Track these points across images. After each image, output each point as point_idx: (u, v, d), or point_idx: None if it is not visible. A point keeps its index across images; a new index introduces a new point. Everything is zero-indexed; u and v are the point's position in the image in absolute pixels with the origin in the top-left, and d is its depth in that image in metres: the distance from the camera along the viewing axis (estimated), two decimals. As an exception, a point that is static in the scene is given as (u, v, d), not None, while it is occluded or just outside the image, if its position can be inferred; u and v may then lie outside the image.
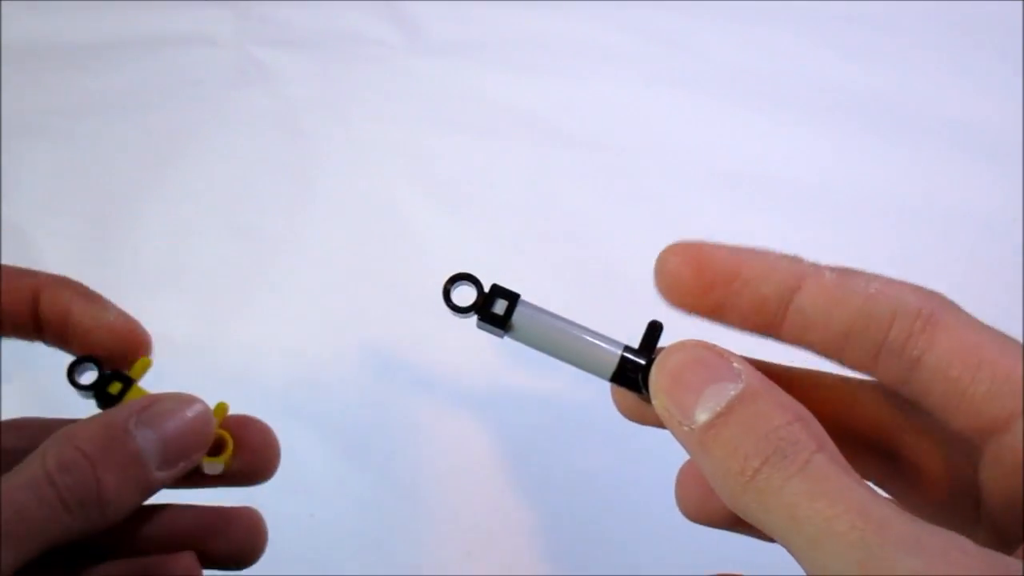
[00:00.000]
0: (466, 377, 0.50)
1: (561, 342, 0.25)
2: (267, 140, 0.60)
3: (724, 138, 0.61)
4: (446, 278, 0.25)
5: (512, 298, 0.25)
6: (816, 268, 0.23)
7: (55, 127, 0.60)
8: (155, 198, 0.57)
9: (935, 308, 0.21)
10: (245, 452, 0.28)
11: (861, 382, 0.25)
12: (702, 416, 0.21)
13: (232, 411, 0.29)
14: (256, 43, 0.66)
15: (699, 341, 0.23)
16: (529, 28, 0.67)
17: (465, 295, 0.25)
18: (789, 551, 0.19)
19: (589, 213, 0.57)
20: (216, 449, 0.27)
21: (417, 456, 0.47)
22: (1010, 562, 0.17)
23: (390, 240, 0.55)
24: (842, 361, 0.23)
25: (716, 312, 0.24)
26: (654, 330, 0.25)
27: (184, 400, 0.26)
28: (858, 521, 0.18)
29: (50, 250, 0.54)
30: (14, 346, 0.44)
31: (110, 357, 0.28)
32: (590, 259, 0.55)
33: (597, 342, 0.25)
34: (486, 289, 0.25)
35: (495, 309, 0.25)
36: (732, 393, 0.21)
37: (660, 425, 0.23)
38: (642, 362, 0.24)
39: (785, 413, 0.20)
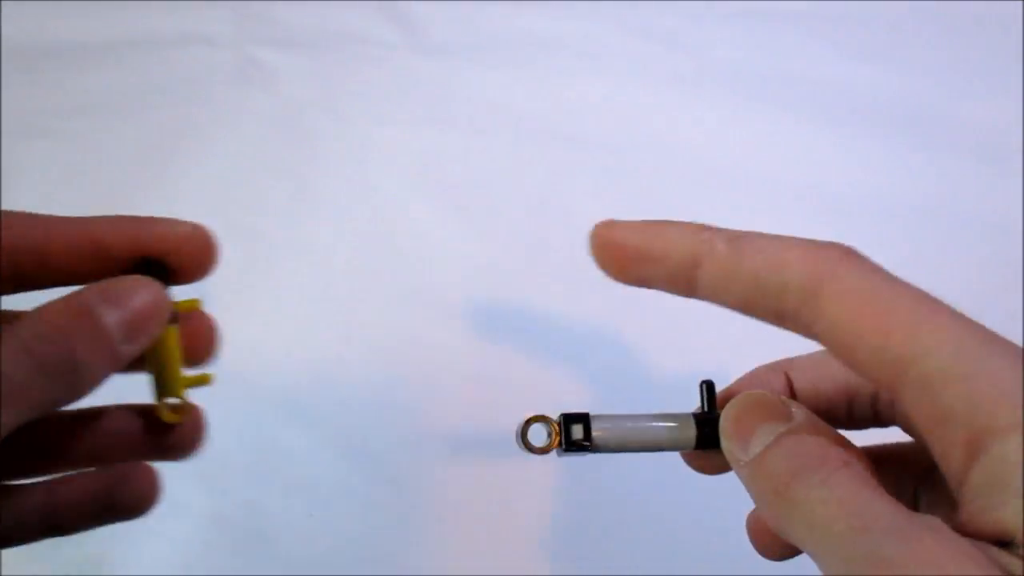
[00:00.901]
0: (466, 376, 0.50)
1: (642, 438, 0.27)
2: (267, 140, 0.60)
3: (724, 138, 0.61)
4: (519, 427, 0.28)
5: (584, 419, 0.27)
6: (711, 242, 0.24)
7: (55, 127, 0.60)
8: (155, 198, 0.57)
9: (822, 275, 0.22)
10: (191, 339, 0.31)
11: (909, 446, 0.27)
12: (755, 449, 0.23)
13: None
14: (256, 43, 0.66)
15: (761, 391, 0.25)
16: (529, 28, 0.67)
17: (538, 433, 0.28)
18: (812, 558, 0.20)
19: (589, 213, 0.57)
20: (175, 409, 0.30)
21: (417, 456, 0.47)
22: (974, 549, 0.19)
23: (390, 240, 0.55)
24: (756, 318, 0.24)
25: (642, 283, 0.26)
26: (711, 389, 0.27)
27: (140, 281, 0.27)
28: (852, 520, 0.19)
29: (50, 250, 0.54)
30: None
31: (177, 261, 0.29)
32: (590, 258, 0.54)
33: (672, 424, 0.27)
34: (556, 420, 0.27)
35: (574, 436, 0.27)
36: (782, 429, 0.23)
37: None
38: (712, 420, 0.26)
39: (823, 443, 0.22)
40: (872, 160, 0.60)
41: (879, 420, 0.27)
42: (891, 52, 0.66)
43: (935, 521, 0.19)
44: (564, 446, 0.27)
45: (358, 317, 0.52)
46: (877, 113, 0.62)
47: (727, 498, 0.45)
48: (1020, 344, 0.21)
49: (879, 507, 0.20)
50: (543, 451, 0.27)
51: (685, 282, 0.25)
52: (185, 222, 0.30)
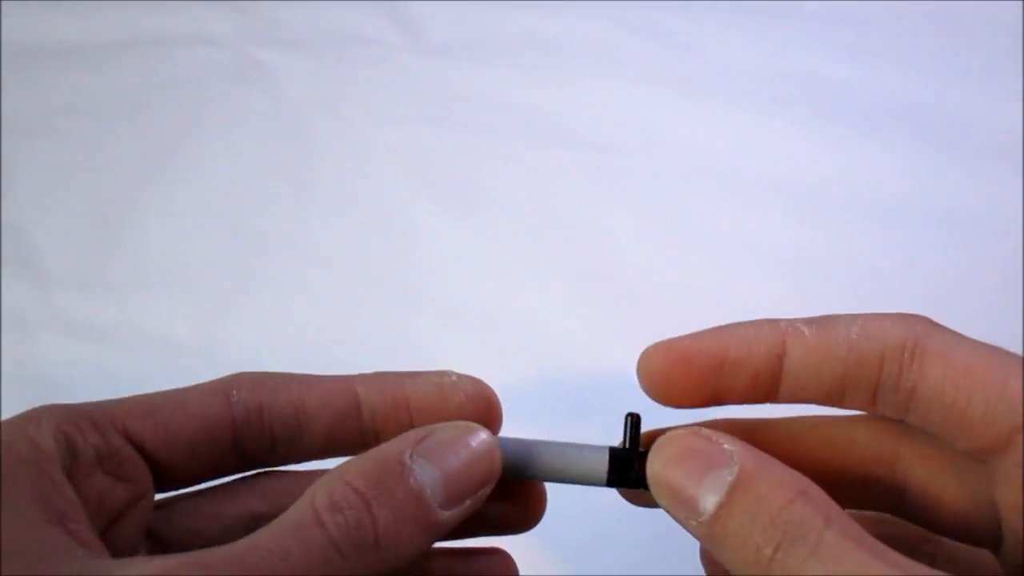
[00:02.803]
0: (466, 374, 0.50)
1: (550, 466, 0.24)
2: (267, 140, 0.60)
3: (724, 138, 0.61)
4: None
5: None
6: (794, 328, 0.23)
7: (55, 127, 0.60)
8: (155, 198, 0.57)
9: (919, 336, 0.21)
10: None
11: (855, 420, 0.25)
12: (707, 508, 0.20)
13: None
14: (256, 43, 0.66)
15: (686, 430, 0.22)
16: (529, 28, 0.67)
17: None
18: None
19: (589, 213, 0.57)
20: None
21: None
22: None
23: (390, 240, 0.55)
24: (843, 406, 0.23)
25: (711, 400, 0.24)
26: (635, 424, 0.24)
27: (464, 429, 0.23)
28: None
29: (50, 250, 0.54)
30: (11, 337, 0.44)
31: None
32: (590, 259, 0.55)
33: (581, 456, 0.24)
34: None
35: None
36: (729, 479, 0.20)
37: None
38: (633, 458, 0.24)
39: (785, 491, 0.20)
40: (872, 160, 0.60)
41: (872, 410, 0.25)
42: (891, 52, 0.66)
43: None
44: None
45: (358, 316, 0.52)
46: (877, 113, 0.62)
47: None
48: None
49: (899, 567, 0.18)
50: None
51: (769, 380, 0.23)
52: (457, 375, 0.26)
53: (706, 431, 0.22)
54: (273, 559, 0.19)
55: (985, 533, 0.23)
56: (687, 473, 0.21)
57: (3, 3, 0.65)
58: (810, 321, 0.23)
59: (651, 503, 0.24)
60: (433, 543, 0.22)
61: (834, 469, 0.24)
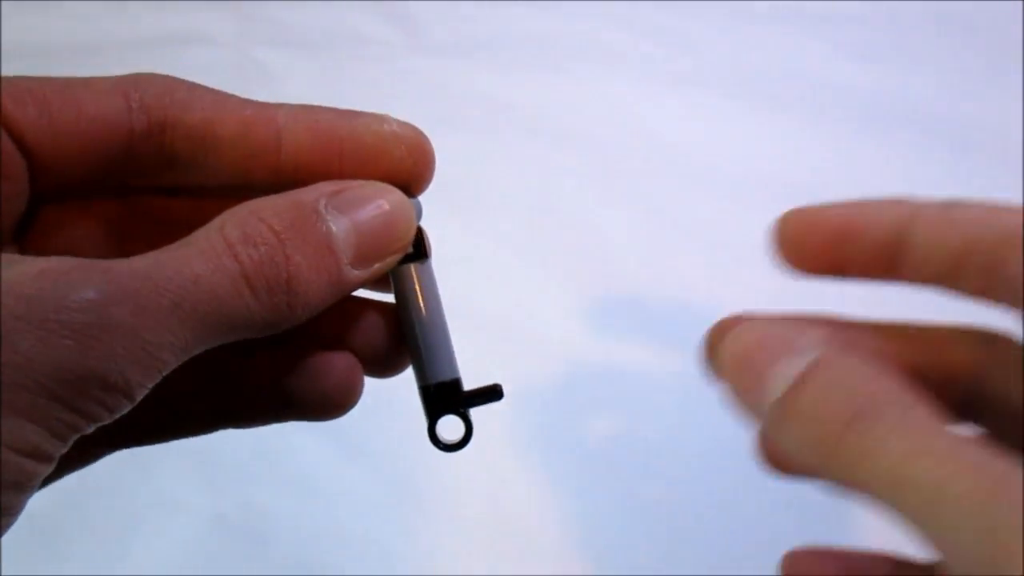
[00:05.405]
0: (465, 376, 0.50)
1: (426, 323, 0.24)
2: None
3: (724, 138, 0.61)
4: None
5: (419, 254, 0.24)
6: (920, 204, 0.22)
7: (55, 127, 0.60)
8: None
9: None
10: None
11: (949, 328, 0.24)
12: (775, 392, 0.19)
13: None
14: (256, 43, 0.66)
15: (765, 315, 0.21)
16: (529, 28, 0.67)
17: None
18: (897, 517, 0.17)
19: (589, 212, 0.57)
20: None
21: (417, 456, 0.47)
22: None
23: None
24: (961, 288, 0.22)
25: (838, 268, 0.23)
26: (493, 395, 0.24)
27: (380, 188, 0.22)
28: (977, 481, 0.16)
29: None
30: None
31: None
32: (590, 257, 0.55)
33: (448, 351, 0.24)
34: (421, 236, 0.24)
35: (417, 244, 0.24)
36: (808, 359, 0.19)
37: (806, 475, 0.21)
38: (459, 403, 0.24)
39: (865, 371, 0.18)
40: (872, 160, 0.60)
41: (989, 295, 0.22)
42: (891, 52, 0.66)
43: None
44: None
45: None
46: (877, 113, 0.62)
47: (732, 494, 0.45)
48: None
49: (1003, 465, 0.16)
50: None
51: (891, 256, 0.22)
52: (398, 122, 0.24)
53: (788, 316, 0.21)
54: (182, 280, 0.18)
55: None
56: (760, 358, 0.20)
57: (3, 3, 0.65)
58: (938, 202, 0.22)
59: (793, 469, 0.23)
60: (335, 300, 0.21)
61: (921, 369, 0.22)
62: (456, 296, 0.54)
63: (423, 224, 0.24)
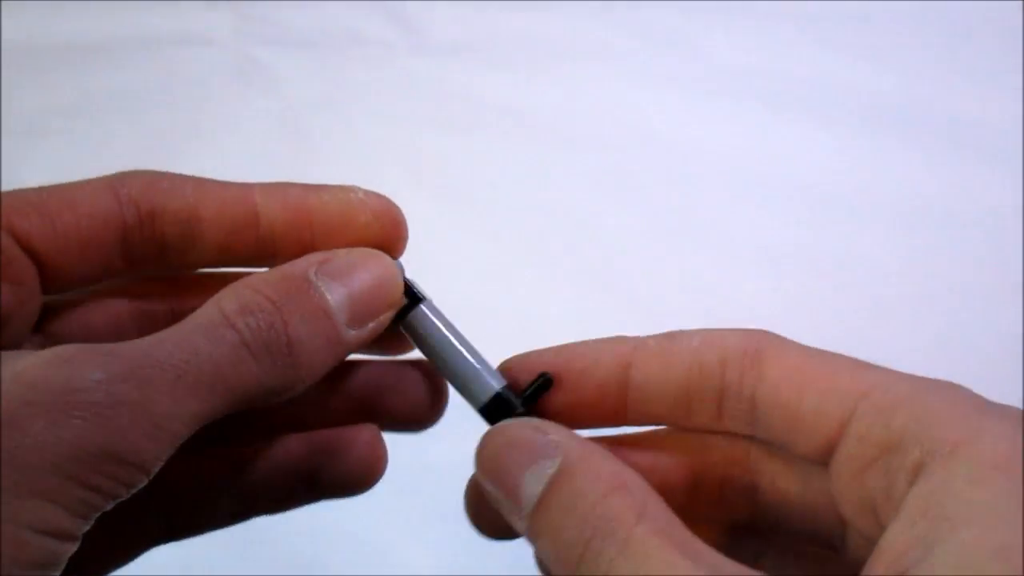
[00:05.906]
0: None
1: (445, 356, 0.24)
2: (267, 140, 0.60)
3: (724, 138, 0.61)
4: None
5: (415, 302, 0.24)
6: (640, 341, 0.23)
7: (55, 127, 0.60)
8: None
9: (759, 344, 0.22)
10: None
11: (724, 434, 0.24)
12: (529, 501, 0.20)
13: None
14: (256, 43, 0.66)
15: (520, 420, 0.22)
16: (529, 28, 0.67)
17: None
18: None
19: (588, 212, 0.57)
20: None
21: (417, 455, 0.47)
22: None
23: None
24: (691, 423, 0.23)
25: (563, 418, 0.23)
26: (544, 385, 0.24)
27: (365, 253, 0.23)
28: None
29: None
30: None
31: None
32: (590, 258, 0.55)
33: (476, 367, 0.24)
34: (409, 285, 0.24)
35: (413, 289, 0.24)
36: (550, 471, 0.19)
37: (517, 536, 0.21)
38: (517, 408, 0.23)
39: (603, 484, 0.19)
40: (872, 160, 0.60)
41: (720, 425, 0.24)
42: (891, 52, 0.66)
43: None
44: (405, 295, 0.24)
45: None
46: (876, 113, 0.62)
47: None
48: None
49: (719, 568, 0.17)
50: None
51: (614, 396, 0.23)
52: (364, 191, 0.25)
53: (536, 421, 0.21)
54: (182, 354, 0.19)
55: (831, 535, 0.22)
56: (512, 463, 0.20)
57: (3, 3, 0.65)
58: (656, 336, 0.23)
59: (501, 533, 0.23)
60: (337, 362, 0.22)
61: (692, 471, 0.23)
62: (455, 295, 0.54)
63: (410, 276, 0.25)
